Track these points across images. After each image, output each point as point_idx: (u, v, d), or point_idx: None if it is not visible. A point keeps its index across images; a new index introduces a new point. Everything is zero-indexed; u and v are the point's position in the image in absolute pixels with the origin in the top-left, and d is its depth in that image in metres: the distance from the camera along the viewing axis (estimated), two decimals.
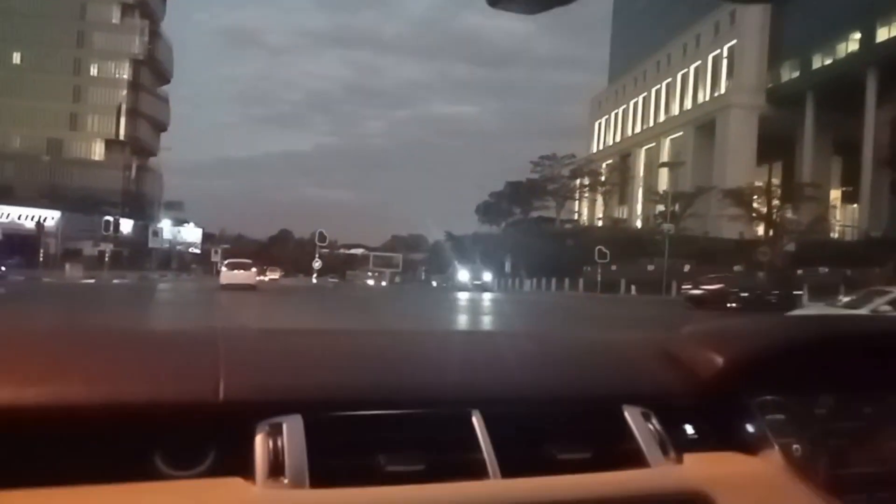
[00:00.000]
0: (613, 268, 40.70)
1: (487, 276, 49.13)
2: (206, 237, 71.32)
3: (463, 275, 48.77)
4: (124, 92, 68.29)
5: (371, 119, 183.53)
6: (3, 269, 32.41)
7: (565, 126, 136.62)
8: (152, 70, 71.81)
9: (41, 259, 37.34)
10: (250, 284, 29.51)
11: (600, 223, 70.40)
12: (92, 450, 0.79)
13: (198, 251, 68.92)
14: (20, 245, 41.97)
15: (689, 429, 1.02)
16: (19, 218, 51.51)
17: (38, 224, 43.36)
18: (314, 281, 46.85)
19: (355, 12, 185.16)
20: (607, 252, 39.51)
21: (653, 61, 69.72)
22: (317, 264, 43.30)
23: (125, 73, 68.72)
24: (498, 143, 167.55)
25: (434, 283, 57.26)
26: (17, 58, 65.34)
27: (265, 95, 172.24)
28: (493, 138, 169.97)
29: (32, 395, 0.80)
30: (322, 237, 43.66)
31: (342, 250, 78.64)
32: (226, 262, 35.33)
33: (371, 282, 59.66)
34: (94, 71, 68.16)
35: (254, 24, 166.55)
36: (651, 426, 0.99)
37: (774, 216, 46.65)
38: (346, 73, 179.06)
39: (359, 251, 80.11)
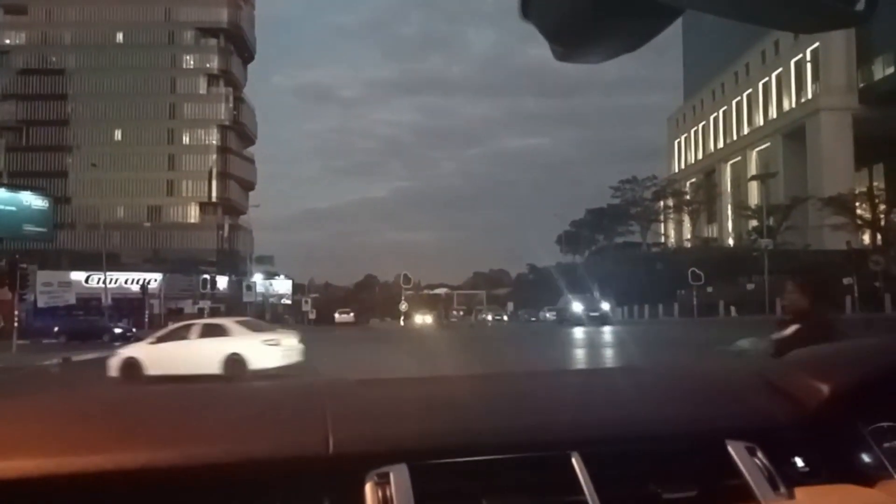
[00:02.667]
0: (710, 289, 38.80)
1: (605, 306, 42.36)
2: (296, 288, 73.55)
3: (577, 306, 41.28)
4: (214, 156, 72.23)
5: (444, 160, 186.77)
6: (134, 330, 34.89)
7: (642, 149, 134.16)
8: (238, 133, 75.75)
9: (147, 319, 39.38)
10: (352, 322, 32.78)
11: (689, 244, 67.86)
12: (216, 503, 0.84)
13: (289, 302, 71.06)
14: (128, 307, 44.64)
15: (799, 461, 0.98)
16: (126, 282, 54.84)
17: (143, 287, 45.90)
18: (401, 323, 47.01)
19: (421, 58, 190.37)
20: (701, 273, 37.69)
21: (730, 73, 67.49)
22: (403, 306, 43.60)
23: (214, 139, 72.79)
24: (573, 172, 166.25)
25: (532, 318, 55.75)
26: (118, 135, 70.47)
27: (342, 147, 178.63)
28: (569, 168, 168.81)
29: (162, 455, 0.85)
30: (406, 279, 44.06)
31: (425, 291, 79.23)
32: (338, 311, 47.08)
33: (489, 317, 62.09)
34: (186, 139, 72.58)
35: (327, 81, 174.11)
36: (758, 460, 0.96)
37: (882, 222, 43.54)
38: (417, 118, 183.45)
39: (442, 291, 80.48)
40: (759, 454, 0.96)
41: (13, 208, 37.85)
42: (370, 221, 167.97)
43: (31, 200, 39.64)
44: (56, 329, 35.81)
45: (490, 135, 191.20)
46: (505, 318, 58.68)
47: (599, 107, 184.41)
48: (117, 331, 34.54)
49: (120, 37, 71.64)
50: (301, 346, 13.94)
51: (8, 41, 72.38)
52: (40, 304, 46.36)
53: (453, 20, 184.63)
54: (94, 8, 70.10)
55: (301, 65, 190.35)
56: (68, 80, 70.50)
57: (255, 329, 14.04)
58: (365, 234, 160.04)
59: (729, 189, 66.24)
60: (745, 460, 0.95)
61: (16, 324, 21.27)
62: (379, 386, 1.26)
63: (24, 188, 41.77)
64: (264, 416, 1.00)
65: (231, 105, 73.73)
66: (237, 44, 76.24)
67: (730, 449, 0.96)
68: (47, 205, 40.71)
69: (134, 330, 36.02)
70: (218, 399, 1.12)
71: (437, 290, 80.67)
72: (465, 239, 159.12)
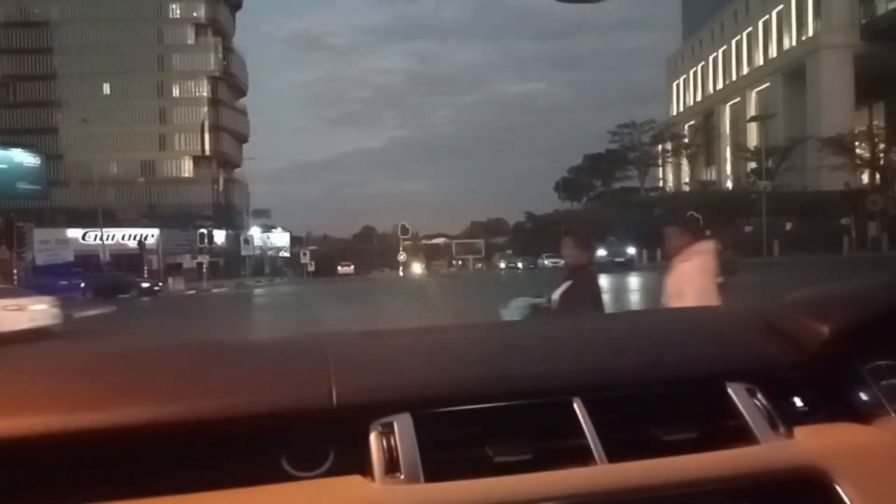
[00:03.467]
0: (707, 233, 38.75)
1: (630, 251, 41.39)
2: (294, 240, 73.47)
3: (600, 252, 41.74)
4: (205, 109, 71.09)
5: (439, 107, 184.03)
6: (160, 285, 35.78)
7: (640, 92, 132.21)
8: (229, 85, 74.39)
9: (146, 275, 39.41)
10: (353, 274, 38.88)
11: (688, 188, 67.62)
12: (223, 457, 0.87)
13: (287, 255, 71.12)
14: (127, 264, 44.59)
15: (798, 401, 1.01)
16: (123, 238, 54.73)
17: (140, 243, 45.82)
18: (401, 274, 47.16)
19: (413, 2, 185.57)
20: (699, 217, 37.53)
21: (729, 11, 66.00)
22: (402, 257, 43.67)
23: (204, 91, 71.50)
24: (571, 116, 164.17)
25: (531, 266, 55.22)
26: (106, 88, 69.18)
27: (335, 96, 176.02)
28: (566, 112, 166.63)
29: (169, 410, 0.88)
30: (405, 230, 44.02)
31: (423, 241, 79.24)
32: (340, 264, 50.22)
33: (502, 265, 57.65)
34: (176, 92, 71.30)
35: (318, 29, 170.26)
36: (757, 401, 0.98)
37: (881, 161, 43.30)
38: (411, 65, 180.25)
39: (440, 240, 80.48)
40: (759, 395, 0.98)
41: (5, 166, 37.42)
42: (366, 172, 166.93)
43: (23, 158, 39.16)
44: (82, 285, 36.03)
45: (485, 80, 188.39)
46: (519, 265, 54.65)
47: (596, 49, 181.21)
48: (145, 285, 34.94)
49: None
50: (55, 310, 15.69)
51: None
52: (39, 262, 46.28)
53: None
54: None
55: (290, 12, 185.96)
56: (52, 32, 68.74)
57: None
58: (361, 184, 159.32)
59: (728, 131, 65.61)
60: (744, 401, 0.97)
61: (15, 281, 21.24)
62: (382, 337, 1.25)
63: (16, 145, 41.20)
64: (268, 369, 1.02)
65: (220, 55, 72.13)
66: None
67: (730, 391, 0.98)
68: (39, 162, 40.24)
69: (160, 284, 36.34)
70: (222, 354, 1.14)
71: (436, 240, 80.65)
72: (463, 187, 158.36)
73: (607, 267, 34.58)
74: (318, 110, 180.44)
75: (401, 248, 43.89)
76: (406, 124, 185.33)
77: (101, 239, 45.31)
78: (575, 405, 0.94)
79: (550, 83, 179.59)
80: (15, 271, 21.93)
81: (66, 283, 37.45)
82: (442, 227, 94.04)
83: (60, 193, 60.17)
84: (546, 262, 48.34)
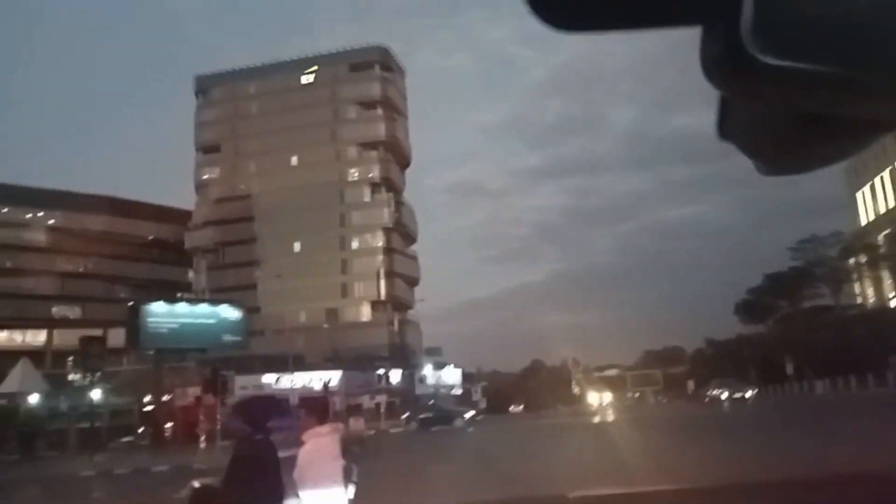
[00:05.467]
0: None
1: (749, 393, 42.69)
2: (465, 377, 74.15)
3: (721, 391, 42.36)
4: (381, 258, 76.87)
5: (597, 238, 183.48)
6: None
7: (813, 205, 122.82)
8: (401, 234, 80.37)
9: (330, 415, 41.55)
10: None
11: (892, 303, 60.19)
12: None
13: (459, 391, 71.65)
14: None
15: None
16: (310, 381, 58.58)
17: (325, 385, 48.71)
18: (587, 410, 43.36)
19: (563, 142, 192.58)
20: None
21: None
22: (576, 389, 42.32)
23: (380, 242, 77.74)
24: (737, 237, 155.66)
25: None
26: (297, 247, 77.53)
27: (495, 236, 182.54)
28: (731, 233, 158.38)
29: None
30: (576, 363, 42.93)
31: (595, 373, 76.48)
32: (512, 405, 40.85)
33: (723, 396, 45.10)
34: (355, 244, 78.17)
35: (476, 177, 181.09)
36: None
37: None
38: (565, 200, 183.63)
39: (613, 372, 77.21)
40: None
41: (214, 321, 42.46)
42: (530, 306, 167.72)
43: (228, 313, 44.22)
44: None
45: (642, 208, 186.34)
46: (747, 395, 43.36)
47: (752, 167, 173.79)
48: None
49: (294, 160, 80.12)
50: None
51: (205, 176, 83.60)
52: None
53: (591, 103, 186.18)
54: (271, 137, 79.39)
55: (451, 164, 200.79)
56: (254, 203, 79.50)
57: None
58: (526, 319, 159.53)
59: None
60: None
61: (218, 426, 23.33)
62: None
63: (222, 301, 46.78)
64: None
65: (392, 209, 78.77)
66: (395, 153, 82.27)
67: None
68: (241, 315, 45.16)
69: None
70: None
71: (608, 372, 77.47)
72: (631, 316, 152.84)
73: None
74: (479, 250, 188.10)
75: (573, 381, 42.61)
76: (565, 257, 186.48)
77: (292, 383, 48.84)
78: None
79: (710, 205, 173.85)
80: (218, 416, 24.11)
81: None
82: (614, 357, 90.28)
83: (257, 342, 66.52)
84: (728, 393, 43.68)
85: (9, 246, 72.38)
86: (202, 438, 22.56)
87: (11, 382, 41.82)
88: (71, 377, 42.45)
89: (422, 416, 41.34)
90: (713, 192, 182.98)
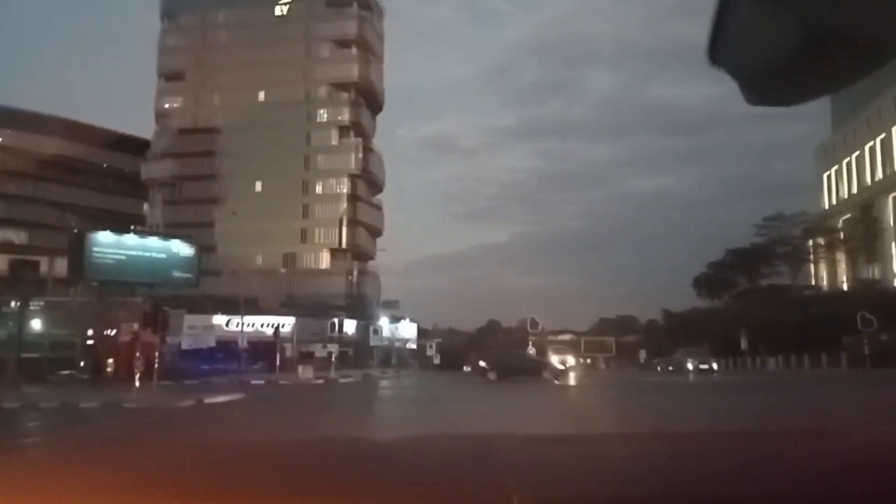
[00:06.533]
0: (884, 337, 34.13)
1: (715, 365, 42.23)
2: (420, 332, 73.74)
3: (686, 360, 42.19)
4: (345, 205, 75.05)
5: (566, 203, 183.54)
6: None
7: (781, 184, 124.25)
8: (367, 182, 78.43)
9: (278, 363, 40.44)
10: None
11: (845, 286, 61.28)
12: None
13: (414, 346, 71.28)
14: (263, 351, 46.27)
15: None
16: (262, 326, 57.26)
17: (276, 331, 47.50)
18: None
19: (540, 103, 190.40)
20: (873, 318, 33.27)
21: (888, 97, 61.30)
22: (531, 351, 42.02)
23: (345, 188, 75.76)
24: (705, 210, 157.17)
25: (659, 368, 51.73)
26: (258, 186, 75.11)
27: (464, 194, 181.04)
28: (700, 207, 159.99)
29: None
30: (534, 324, 42.54)
31: (549, 336, 76.78)
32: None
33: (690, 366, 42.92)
34: (318, 189, 76.06)
35: (449, 131, 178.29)
36: None
37: None
38: (538, 163, 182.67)
39: (567, 336, 77.63)
40: None
41: (164, 255, 40.52)
42: (492, 266, 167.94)
43: (180, 248, 42.29)
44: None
45: (613, 176, 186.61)
46: (714, 366, 42.34)
47: (729, 142, 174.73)
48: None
49: (262, 95, 76.97)
50: None
51: (167, 105, 79.95)
52: (184, 346, 49.13)
53: (571, 65, 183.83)
54: (239, 71, 75.97)
55: (425, 116, 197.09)
56: (216, 138, 76.45)
57: None
58: (487, 279, 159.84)
59: (892, 224, 59.48)
60: None
61: (156, 365, 22.10)
62: (554, 444, 1.16)
63: (174, 236, 44.81)
64: (430, 475, 0.94)
65: (360, 155, 76.62)
66: (367, 96, 79.63)
67: None
68: (193, 252, 43.29)
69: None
70: (373, 454, 1.04)
71: (562, 336, 77.87)
72: (590, 283, 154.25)
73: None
74: (446, 207, 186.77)
75: (530, 343, 42.34)
76: (533, 220, 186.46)
77: (241, 326, 47.50)
78: None
79: (681, 178, 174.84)
80: (157, 353, 22.86)
81: (207, 367, 39.25)
82: (568, 322, 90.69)
83: (212, 283, 64.68)
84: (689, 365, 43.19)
85: None
86: (136, 376, 21.30)
87: None
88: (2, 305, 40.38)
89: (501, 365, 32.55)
90: (686, 165, 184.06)
